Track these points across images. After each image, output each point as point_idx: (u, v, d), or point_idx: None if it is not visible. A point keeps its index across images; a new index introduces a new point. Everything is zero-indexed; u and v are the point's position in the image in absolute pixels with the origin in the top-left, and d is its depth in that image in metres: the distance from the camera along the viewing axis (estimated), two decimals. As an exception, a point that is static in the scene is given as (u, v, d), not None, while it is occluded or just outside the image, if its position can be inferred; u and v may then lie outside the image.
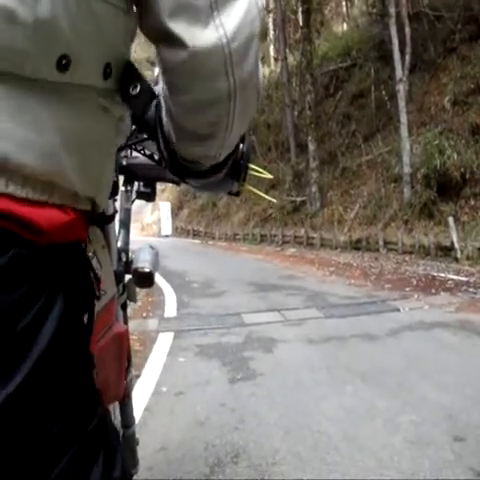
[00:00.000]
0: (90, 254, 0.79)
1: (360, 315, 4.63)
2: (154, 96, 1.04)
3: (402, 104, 10.72)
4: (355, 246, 10.92)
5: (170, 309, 5.52)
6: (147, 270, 1.12)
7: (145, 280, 1.14)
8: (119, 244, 1.13)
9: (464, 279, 6.18)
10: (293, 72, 18.82)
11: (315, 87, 15.70)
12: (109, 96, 0.48)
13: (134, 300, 1.24)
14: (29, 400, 0.40)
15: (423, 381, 2.78)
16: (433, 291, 5.54)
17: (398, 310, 4.73)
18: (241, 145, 0.77)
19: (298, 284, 6.82)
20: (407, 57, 11.29)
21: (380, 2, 15.57)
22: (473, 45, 12.07)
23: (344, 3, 23.48)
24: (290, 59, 19.02)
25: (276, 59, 24.36)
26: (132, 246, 1.18)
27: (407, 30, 11.53)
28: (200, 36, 0.47)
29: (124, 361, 1.01)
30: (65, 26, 0.40)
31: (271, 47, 26.75)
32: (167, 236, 23.37)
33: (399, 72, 10.93)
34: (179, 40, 0.47)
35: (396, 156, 11.33)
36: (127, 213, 1.20)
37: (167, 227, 24.44)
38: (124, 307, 1.14)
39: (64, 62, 0.41)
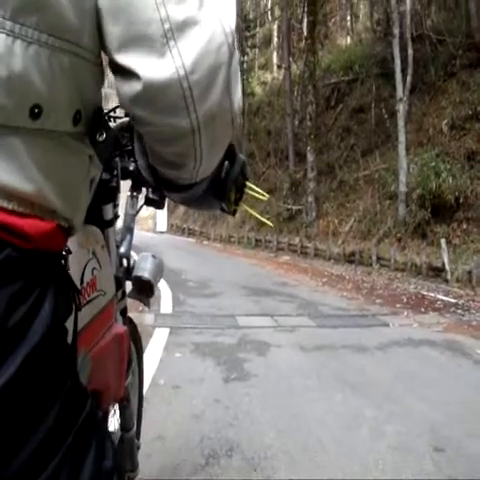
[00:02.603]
0: (90, 255, 0.80)
1: (351, 327, 4.78)
2: (119, 144, 0.98)
3: (401, 124, 10.92)
4: (348, 259, 11.10)
5: (166, 305, 5.63)
6: (146, 279, 1.11)
7: (145, 289, 1.13)
8: (122, 250, 1.11)
9: (453, 301, 6.35)
10: (295, 81, 19.02)
11: (317, 98, 15.87)
12: (79, 139, 0.50)
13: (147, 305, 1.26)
14: (22, 392, 0.41)
15: (409, 395, 2.93)
16: (422, 310, 5.71)
17: (388, 325, 4.89)
18: (226, 163, 0.73)
19: (291, 292, 6.97)
20: (408, 78, 11.47)
21: (384, 20, 15.82)
22: (473, 72, 12.19)
23: (349, 17, 23.80)
24: (293, 68, 19.20)
25: (279, 66, 24.61)
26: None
27: (410, 51, 11.74)
28: (154, 67, 0.45)
29: (124, 361, 0.99)
30: (37, 79, 0.43)
31: (274, 54, 27.04)
32: (162, 233, 23.44)
33: (400, 92, 11.12)
34: (132, 72, 0.45)
35: (393, 174, 11.50)
36: (132, 219, 1.17)
37: (163, 223, 24.51)
38: (124, 313, 1.11)
39: (36, 111, 0.44)
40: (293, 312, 5.48)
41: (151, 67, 0.45)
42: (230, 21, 0.49)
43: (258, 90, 24.46)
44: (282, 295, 6.62)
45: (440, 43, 13.57)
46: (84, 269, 0.77)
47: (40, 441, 0.42)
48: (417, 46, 12.67)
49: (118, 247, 1.09)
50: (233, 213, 0.84)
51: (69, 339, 0.53)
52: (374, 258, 10.11)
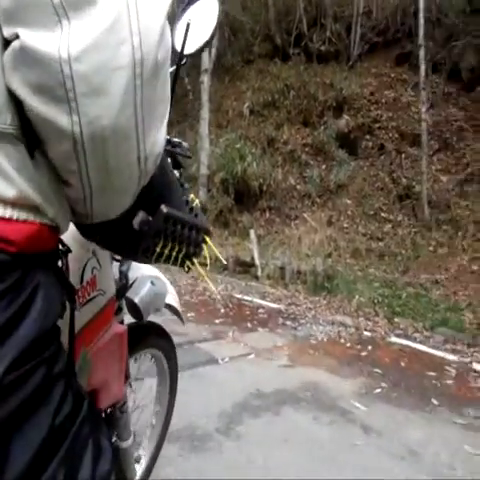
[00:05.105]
0: (90, 254, 0.82)
1: (165, 373, 3.02)
2: None
3: (205, 97, 9.66)
4: (140, 250, 9.30)
5: None
6: (134, 304, 1.06)
7: (133, 311, 1.08)
8: (123, 267, 1.08)
9: (274, 306, 5.26)
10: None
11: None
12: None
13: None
14: (11, 394, 0.39)
15: None
16: (248, 325, 4.36)
17: (216, 361, 3.30)
18: (141, 213, 0.59)
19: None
20: (214, 50, 10.35)
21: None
22: (269, 62, 12.39)
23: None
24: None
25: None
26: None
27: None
28: (37, 38, 0.38)
29: (124, 361, 0.99)
30: None
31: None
32: None
33: (205, 63, 9.87)
34: (15, 36, 0.39)
35: (193, 155, 10.28)
36: None
37: None
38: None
39: None
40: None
41: (34, 36, 0.38)
42: (145, 19, 0.40)
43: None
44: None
45: (238, 30, 13.12)
46: (84, 268, 0.77)
47: (37, 445, 0.41)
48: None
49: (120, 262, 1.07)
50: (187, 270, 0.77)
51: (65, 338, 0.51)
52: (171, 250, 8.58)
